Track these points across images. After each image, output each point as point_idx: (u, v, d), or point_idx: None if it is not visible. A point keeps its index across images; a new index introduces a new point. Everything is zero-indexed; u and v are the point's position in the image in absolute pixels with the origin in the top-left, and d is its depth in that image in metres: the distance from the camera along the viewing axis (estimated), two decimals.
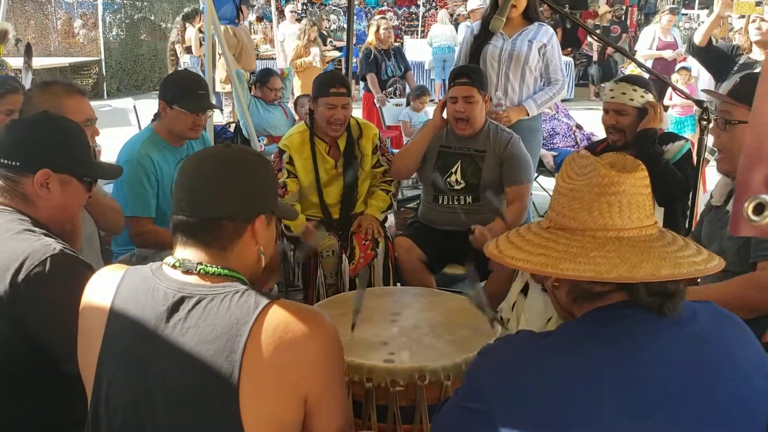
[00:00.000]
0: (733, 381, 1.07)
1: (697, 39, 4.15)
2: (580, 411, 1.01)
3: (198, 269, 1.22)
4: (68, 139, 1.71)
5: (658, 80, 3.24)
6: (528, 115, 3.70)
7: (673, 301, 1.08)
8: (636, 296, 1.09)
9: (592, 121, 8.97)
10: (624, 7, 14.38)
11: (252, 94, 5.50)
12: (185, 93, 2.79)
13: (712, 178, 2.62)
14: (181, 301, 1.19)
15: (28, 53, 3.93)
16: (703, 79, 6.89)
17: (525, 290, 2.57)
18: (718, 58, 4.20)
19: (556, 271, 1.09)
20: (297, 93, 7.39)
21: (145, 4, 14.21)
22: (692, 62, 7.19)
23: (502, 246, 1.20)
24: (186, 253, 1.25)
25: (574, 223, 1.13)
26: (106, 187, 3.20)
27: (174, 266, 1.24)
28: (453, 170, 3.16)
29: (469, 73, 3.12)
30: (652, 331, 1.08)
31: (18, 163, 1.64)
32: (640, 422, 1.00)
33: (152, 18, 14.29)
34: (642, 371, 1.04)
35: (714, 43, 4.19)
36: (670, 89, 6.48)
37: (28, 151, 1.65)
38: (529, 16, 3.69)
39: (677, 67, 7.10)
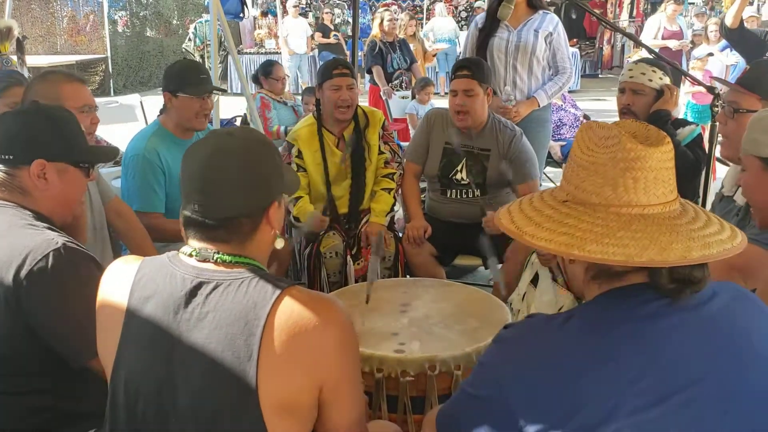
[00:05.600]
0: (750, 364, 1.06)
1: (729, 21, 4.09)
2: (597, 395, 1.00)
3: (214, 258, 1.22)
4: (59, 127, 1.68)
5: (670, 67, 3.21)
6: (539, 106, 3.67)
7: (695, 287, 1.06)
8: (656, 281, 1.05)
9: (599, 112, 8.93)
10: None
11: (258, 90, 5.40)
12: (187, 79, 2.79)
13: (722, 166, 2.60)
14: (199, 286, 1.20)
15: (20, 48, 3.90)
16: (713, 63, 6.90)
17: (535, 280, 2.56)
18: (751, 41, 4.14)
19: (582, 253, 1.03)
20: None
21: (150, 0, 14.22)
22: (708, 48, 7.25)
23: (517, 220, 1.13)
24: (202, 245, 1.25)
25: (597, 198, 1.07)
26: (114, 181, 3.20)
27: (190, 255, 1.24)
28: (458, 168, 3.14)
29: (470, 65, 3.07)
30: (670, 313, 1.05)
31: (11, 157, 1.62)
32: (657, 406, 0.99)
33: (158, 14, 14.30)
34: (660, 354, 1.02)
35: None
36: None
37: (20, 143, 1.63)
38: (533, 5, 3.66)
39: (701, 53, 7.11)
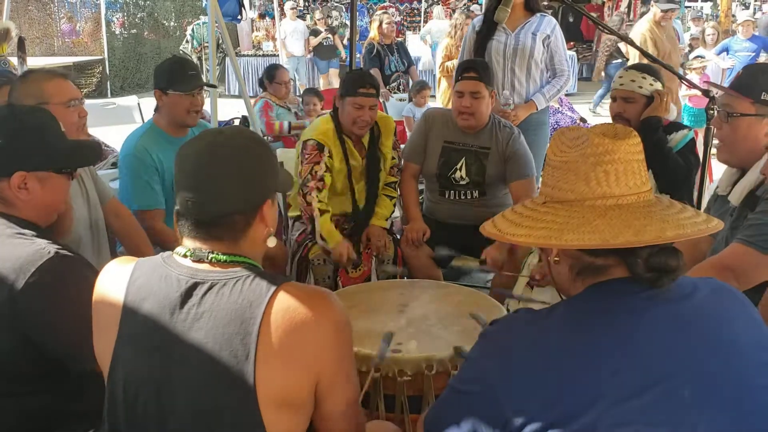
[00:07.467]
0: (731, 357, 1.07)
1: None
2: (579, 385, 1.02)
3: (209, 258, 1.23)
4: (35, 135, 1.62)
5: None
6: (537, 109, 3.67)
7: (672, 276, 1.08)
8: (634, 270, 1.08)
9: (596, 114, 8.95)
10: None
11: (262, 95, 5.36)
12: (176, 76, 2.79)
13: (718, 168, 2.61)
14: (194, 286, 1.21)
15: (22, 47, 3.92)
16: (711, 68, 6.94)
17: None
18: None
19: (560, 243, 1.07)
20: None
21: (148, 2, 14.21)
22: (704, 52, 7.32)
23: (499, 225, 1.18)
24: (196, 244, 1.25)
25: (572, 194, 1.12)
26: (112, 183, 3.20)
27: (185, 255, 1.25)
28: (458, 167, 3.14)
29: (477, 67, 3.08)
30: (651, 306, 1.08)
31: None
32: (638, 397, 1.01)
33: (155, 16, 14.29)
34: (641, 346, 1.05)
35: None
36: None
37: None
38: (531, 7, 3.66)
39: (692, 55, 7.15)
